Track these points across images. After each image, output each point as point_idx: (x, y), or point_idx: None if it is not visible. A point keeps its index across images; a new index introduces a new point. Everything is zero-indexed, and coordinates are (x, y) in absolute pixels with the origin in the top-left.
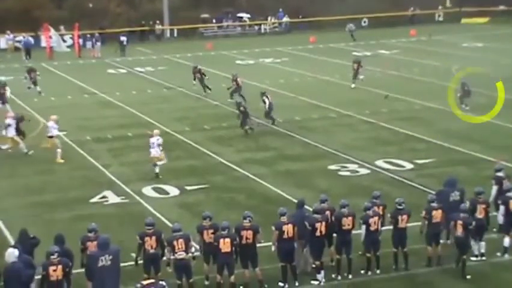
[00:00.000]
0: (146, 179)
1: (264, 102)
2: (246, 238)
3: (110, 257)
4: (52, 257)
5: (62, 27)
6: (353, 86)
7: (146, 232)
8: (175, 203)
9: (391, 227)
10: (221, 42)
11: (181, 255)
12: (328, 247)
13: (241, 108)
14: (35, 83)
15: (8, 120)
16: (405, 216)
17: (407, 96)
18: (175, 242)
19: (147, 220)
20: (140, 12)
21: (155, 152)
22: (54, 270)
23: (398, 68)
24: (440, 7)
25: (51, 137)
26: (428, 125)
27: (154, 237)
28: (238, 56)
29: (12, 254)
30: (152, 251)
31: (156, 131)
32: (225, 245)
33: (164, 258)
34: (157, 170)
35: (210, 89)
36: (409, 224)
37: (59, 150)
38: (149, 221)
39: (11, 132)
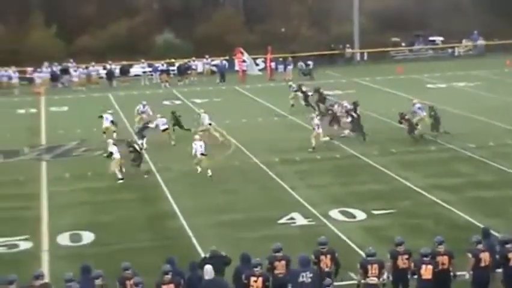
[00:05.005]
0: (333, 202)
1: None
2: (442, 263)
3: (311, 274)
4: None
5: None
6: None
7: (321, 251)
8: (361, 227)
9: None
10: (411, 66)
11: (373, 280)
12: None
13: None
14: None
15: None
16: None
17: None
18: (369, 266)
19: (321, 239)
20: (329, 36)
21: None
22: None
23: None
24: None
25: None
26: None
27: (328, 256)
28: (429, 80)
29: (209, 271)
30: (326, 269)
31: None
32: (427, 272)
33: (355, 281)
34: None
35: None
36: None
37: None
38: (323, 240)
39: None
